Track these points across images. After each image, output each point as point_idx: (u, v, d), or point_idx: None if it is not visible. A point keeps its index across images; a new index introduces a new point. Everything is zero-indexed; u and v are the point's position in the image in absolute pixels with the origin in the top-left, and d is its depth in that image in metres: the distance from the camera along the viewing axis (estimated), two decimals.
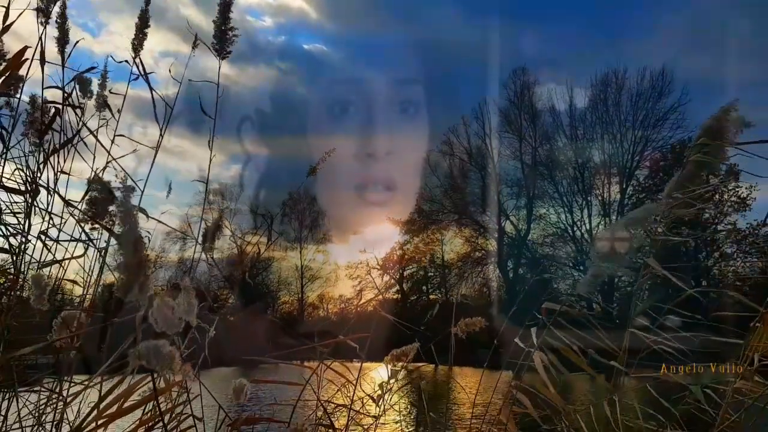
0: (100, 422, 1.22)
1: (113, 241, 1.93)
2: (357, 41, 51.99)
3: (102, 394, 1.43)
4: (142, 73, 2.02)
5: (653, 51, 36.93)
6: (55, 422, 1.72)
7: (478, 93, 39.27)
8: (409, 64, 49.12)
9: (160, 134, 2.08)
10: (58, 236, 1.99)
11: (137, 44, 2.08)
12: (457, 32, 45.41)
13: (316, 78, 50.05)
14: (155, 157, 2.08)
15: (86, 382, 1.60)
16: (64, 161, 2.09)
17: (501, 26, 45.78)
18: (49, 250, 1.98)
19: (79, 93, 2.17)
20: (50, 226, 1.98)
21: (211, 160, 2.14)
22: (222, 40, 1.98)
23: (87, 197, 1.92)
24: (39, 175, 1.99)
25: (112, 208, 1.86)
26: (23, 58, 1.88)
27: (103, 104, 2.20)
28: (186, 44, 2.07)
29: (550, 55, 43.70)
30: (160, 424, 1.29)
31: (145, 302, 1.10)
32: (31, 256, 1.94)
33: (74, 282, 2.06)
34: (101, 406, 1.22)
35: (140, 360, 0.99)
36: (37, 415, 1.76)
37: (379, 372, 2.15)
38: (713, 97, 38.26)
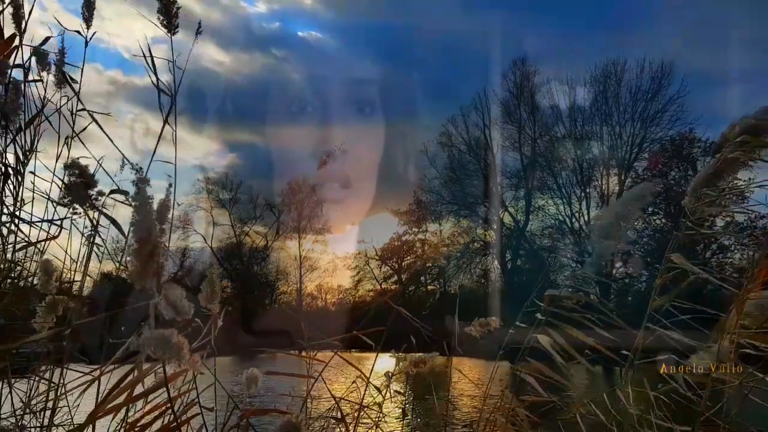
0: (109, 408, 1.23)
1: (107, 227, 1.91)
2: (352, 29, 51.81)
3: (104, 384, 1.44)
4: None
5: (653, 43, 36.80)
6: (48, 410, 1.72)
7: (477, 84, 39.22)
8: (406, 54, 48.99)
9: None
10: (31, 219, 1.96)
11: (88, 15, 2.06)
12: (455, 22, 45.24)
13: (313, 66, 49.91)
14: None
15: (91, 373, 1.60)
16: (36, 143, 2.04)
17: (499, 16, 45.62)
18: (15, 233, 1.94)
19: (38, 66, 2.10)
20: (20, 209, 1.94)
21: (157, 136, 2.09)
22: (168, 15, 1.93)
23: (65, 182, 1.88)
24: (4, 158, 1.94)
25: (92, 192, 1.83)
26: (12, 45, 1.86)
27: (61, 80, 2.11)
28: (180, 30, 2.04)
29: (549, 47, 43.58)
30: (169, 411, 1.29)
31: (158, 289, 1.10)
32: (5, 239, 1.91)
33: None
34: (113, 393, 1.23)
35: (148, 349, 0.99)
36: (27, 402, 1.76)
37: (380, 362, 2.16)
38: (713, 89, 38.20)
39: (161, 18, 1.92)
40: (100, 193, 1.85)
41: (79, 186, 1.75)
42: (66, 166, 1.80)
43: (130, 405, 1.34)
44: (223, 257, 41.44)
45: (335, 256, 43.56)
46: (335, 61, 49.25)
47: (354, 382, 1.96)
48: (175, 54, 2.04)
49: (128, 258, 1.12)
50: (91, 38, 2.11)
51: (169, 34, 1.96)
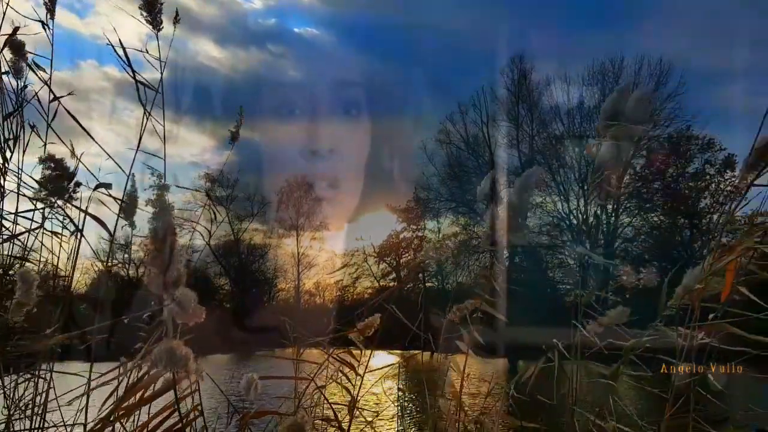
0: (122, 413, 1.24)
1: (94, 225, 1.89)
2: (349, 26, 51.72)
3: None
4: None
5: (650, 41, 36.81)
6: (36, 408, 1.71)
7: (475, 81, 39.22)
8: (403, 51, 48.94)
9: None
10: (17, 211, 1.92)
11: (51, 5, 2.00)
12: (452, 18, 45.20)
13: (309, 63, 49.87)
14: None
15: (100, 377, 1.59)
16: (18, 136, 1.98)
17: (498, 13, 45.57)
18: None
19: (11, 58, 2.00)
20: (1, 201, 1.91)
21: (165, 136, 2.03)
22: (152, 11, 1.88)
23: (41, 176, 1.83)
24: None
25: (69, 185, 1.81)
26: None
27: (18, 68, 2.02)
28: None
29: (547, 44, 43.53)
30: (175, 414, 1.30)
31: (172, 295, 1.09)
32: None
33: (25, 259, 2.00)
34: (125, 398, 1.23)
35: (157, 364, 0.99)
36: (15, 400, 1.75)
37: (380, 359, 2.15)
38: (709, 87, 38.23)
39: (144, 15, 1.88)
40: (77, 184, 1.82)
41: (55, 179, 1.73)
42: (41, 160, 1.76)
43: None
44: (221, 255, 41.42)
45: (333, 253, 43.63)
46: (332, 57, 49.21)
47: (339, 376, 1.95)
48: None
49: (145, 263, 1.11)
50: (51, 29, 2.05)
51: (154, 31, 1.92)
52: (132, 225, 1.99)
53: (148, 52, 1.99)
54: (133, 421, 1.46)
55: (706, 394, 1.48)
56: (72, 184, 1.81)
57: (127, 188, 1.94)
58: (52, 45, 2.06)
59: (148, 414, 1.32)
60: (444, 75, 48.08)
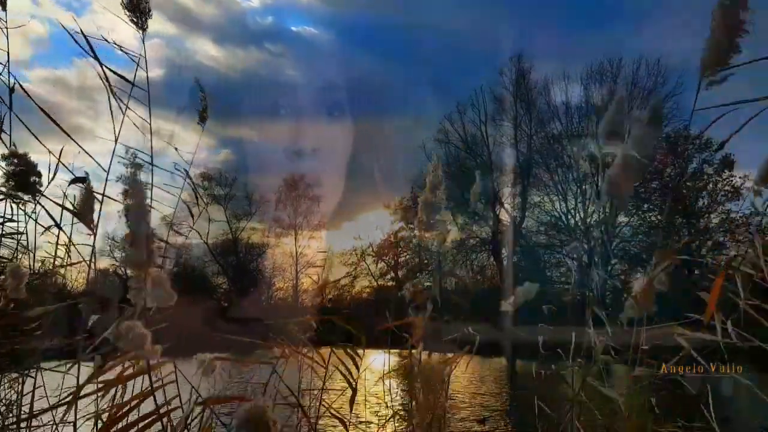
0: (95, 390, 1.23)
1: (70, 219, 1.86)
2: (347, 24, 51.66)
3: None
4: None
5: (650, 41, 36.84)
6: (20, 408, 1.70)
7: (474, 80, 39.22)
8: (402, 50, 48.93)
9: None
10: None
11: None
12: (452, 18, 45.20)
13: (307, 61, 49.81)
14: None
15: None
16: None
17: (498, 13, 45.57)
18: None
19: None
20: None
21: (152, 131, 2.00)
22: (136, 11, 1.85)
23: (5, 171, 1.79)
24: None
25: (34, 178, 1.78)
26: None
27: None
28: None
29: (546, 44, 43.52)
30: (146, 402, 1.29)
31: (147, 277, 1.10)
32: None
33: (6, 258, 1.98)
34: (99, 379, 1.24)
35: (120, 341, 0.99)
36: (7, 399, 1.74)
37: (375, 358, 2.14)
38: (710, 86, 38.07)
39: (128, 14, 1.85)
40: (39, 175, 1.78)
41: (20, 174, 1.71)
42: (4, 157, 1.74)
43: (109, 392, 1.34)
44: (219, 253, 41.36)
45: (332, 252, 43.57)
46: (331, 57, 49.17)
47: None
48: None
49: (124, 246, 1.11)
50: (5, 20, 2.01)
51: (139, 31, 1.90)
52: (91, 225, 1.91)
53: (119, 47, 1.96)
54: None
55: (696, 397, 1.48)
56: (37, 179, 1.78)
57: (84, 185, 1.89)
58: (7, 38, 2.03)
59: (141, 408, 1.32)
60: (444, 75, 48.07)
